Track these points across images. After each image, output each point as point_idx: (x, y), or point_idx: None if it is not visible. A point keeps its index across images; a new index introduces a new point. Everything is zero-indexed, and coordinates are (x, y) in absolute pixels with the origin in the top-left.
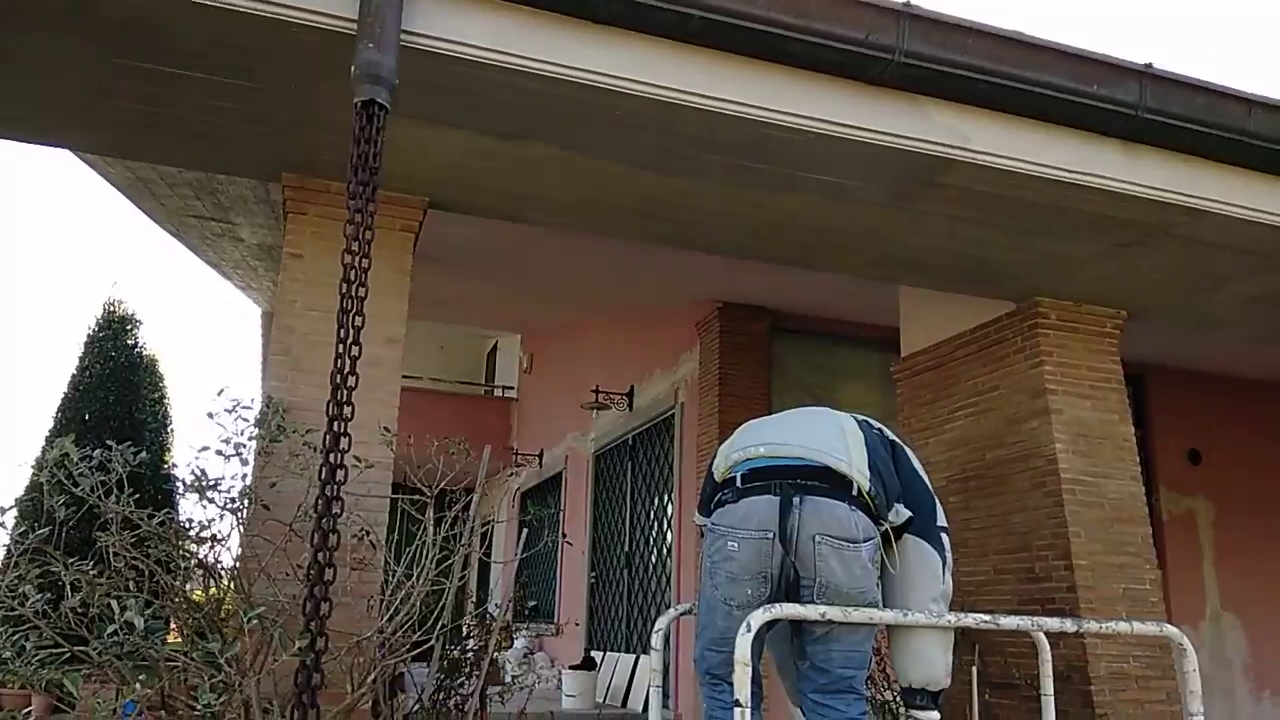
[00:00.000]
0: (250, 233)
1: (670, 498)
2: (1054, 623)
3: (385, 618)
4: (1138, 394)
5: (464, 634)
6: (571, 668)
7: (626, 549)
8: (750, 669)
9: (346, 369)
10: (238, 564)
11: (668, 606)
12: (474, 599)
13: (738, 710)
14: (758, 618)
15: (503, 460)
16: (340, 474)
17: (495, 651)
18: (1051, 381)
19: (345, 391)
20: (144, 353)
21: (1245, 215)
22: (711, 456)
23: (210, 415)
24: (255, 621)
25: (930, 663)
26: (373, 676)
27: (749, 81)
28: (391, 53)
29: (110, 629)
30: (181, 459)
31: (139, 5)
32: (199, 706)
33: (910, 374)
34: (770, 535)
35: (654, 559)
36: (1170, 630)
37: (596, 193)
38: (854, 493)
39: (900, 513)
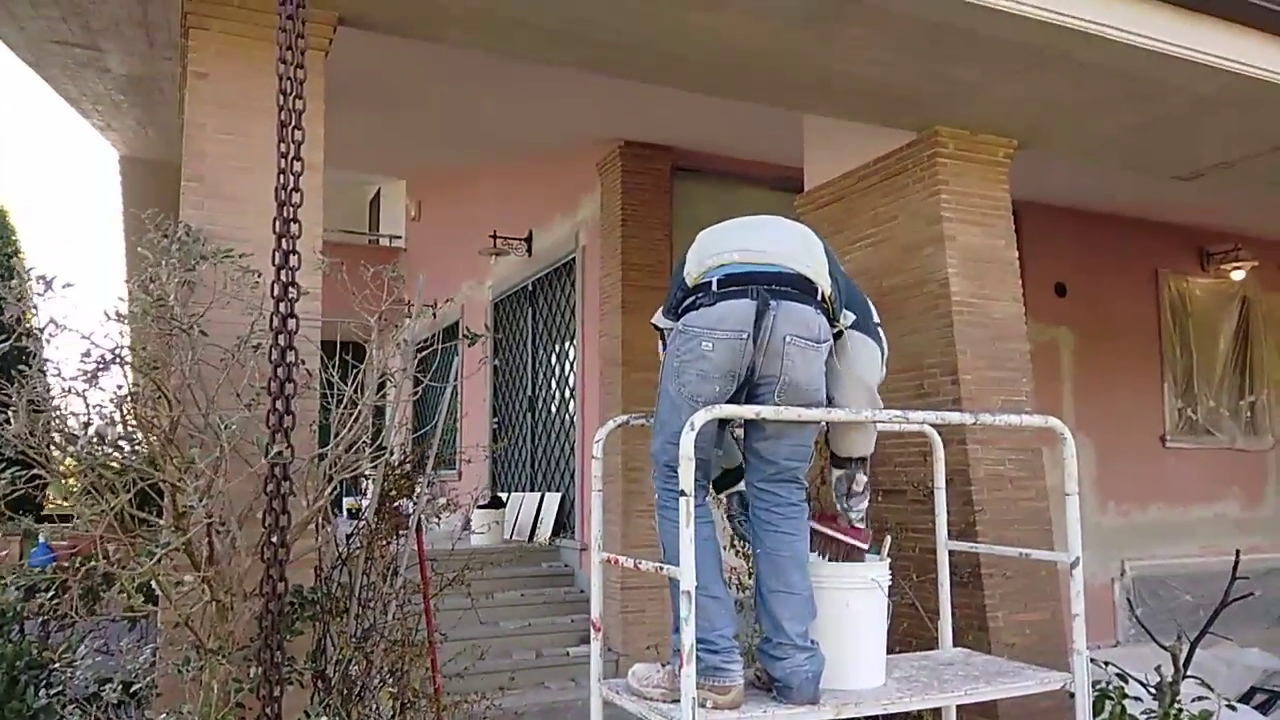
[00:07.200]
0: (119, 61)
1: (573, 340)
2: (955, 416)
3: (335, 438)
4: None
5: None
6: (479, 507)
7: (529, 393)
8: (693, 462)
9: (290, 185)
10: (188, 389)
11: (572, 445)
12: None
13: (682, 499)
14: (700, 417)
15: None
16: (293, 291)
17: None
18: (947, 209)
19: (291, 209)
20: None
21: (1131, 40)
22: (680, 262)
23: (139, 246)
24: (218, 435)
25: (867, 440)
26: (331, 489)
27: None
28: None
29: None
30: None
31: None
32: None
33: (814, 207)
34: (745, 336)
35: (557, 401)
36: (1054, 421)
37: (516, 8)
38: (818, 298)
39: (847, 316)
